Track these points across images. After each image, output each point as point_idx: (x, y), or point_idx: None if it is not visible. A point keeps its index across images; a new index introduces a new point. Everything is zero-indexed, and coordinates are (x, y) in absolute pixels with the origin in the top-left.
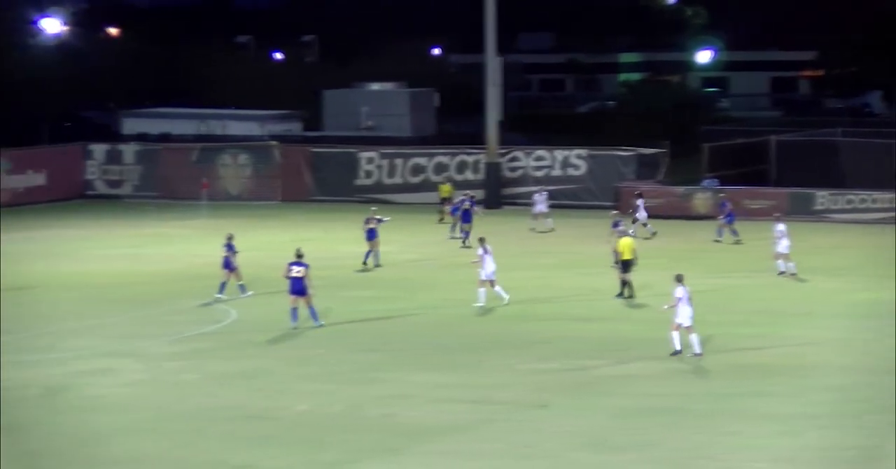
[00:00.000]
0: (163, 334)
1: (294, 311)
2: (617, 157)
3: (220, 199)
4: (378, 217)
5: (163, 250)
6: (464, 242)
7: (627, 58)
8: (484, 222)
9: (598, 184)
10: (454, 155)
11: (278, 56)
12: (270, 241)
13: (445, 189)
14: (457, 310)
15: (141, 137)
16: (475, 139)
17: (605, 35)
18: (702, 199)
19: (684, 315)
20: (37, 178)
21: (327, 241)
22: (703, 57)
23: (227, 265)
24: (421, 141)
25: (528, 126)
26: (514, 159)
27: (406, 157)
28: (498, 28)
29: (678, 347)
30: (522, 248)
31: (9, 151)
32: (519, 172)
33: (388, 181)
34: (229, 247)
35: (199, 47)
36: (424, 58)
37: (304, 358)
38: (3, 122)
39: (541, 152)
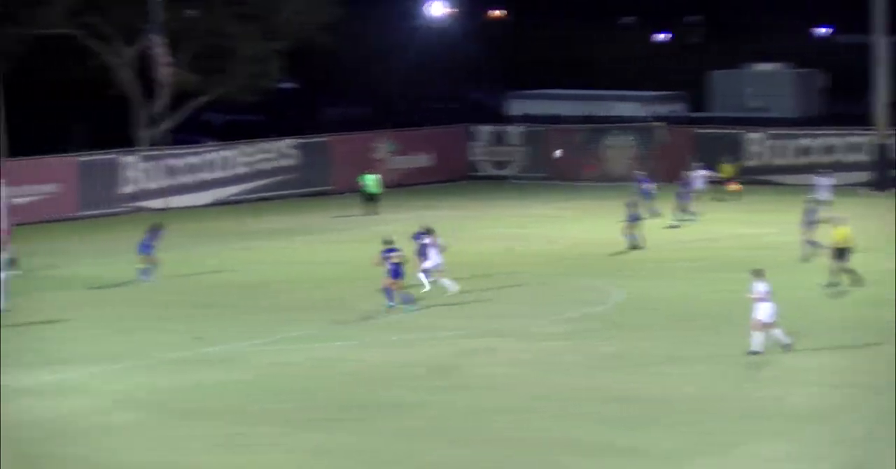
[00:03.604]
0: (546, 314)
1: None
2: None
3: (606, 181)
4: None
5: (545, 231)
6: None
7: None
8: (868, 204)
9: None
10: (841, 136)
11: (661, 37)
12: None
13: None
14: (812, 293)
15: (525, 119)
16: (863, 120)
17: None
18: None
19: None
20: (422, 159)
21: (710, 222)
22: None
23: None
24: (806, 122)
25: None
26: None
27: (793, 138)
28: (887, 8)
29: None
30: None
31: (395, 132)
32: None
33: (776, 162)
34: (420, 237)
35: (584, 29)
36: (811, 38)
37: (686, 339)
38: (389, 104)
39: None
